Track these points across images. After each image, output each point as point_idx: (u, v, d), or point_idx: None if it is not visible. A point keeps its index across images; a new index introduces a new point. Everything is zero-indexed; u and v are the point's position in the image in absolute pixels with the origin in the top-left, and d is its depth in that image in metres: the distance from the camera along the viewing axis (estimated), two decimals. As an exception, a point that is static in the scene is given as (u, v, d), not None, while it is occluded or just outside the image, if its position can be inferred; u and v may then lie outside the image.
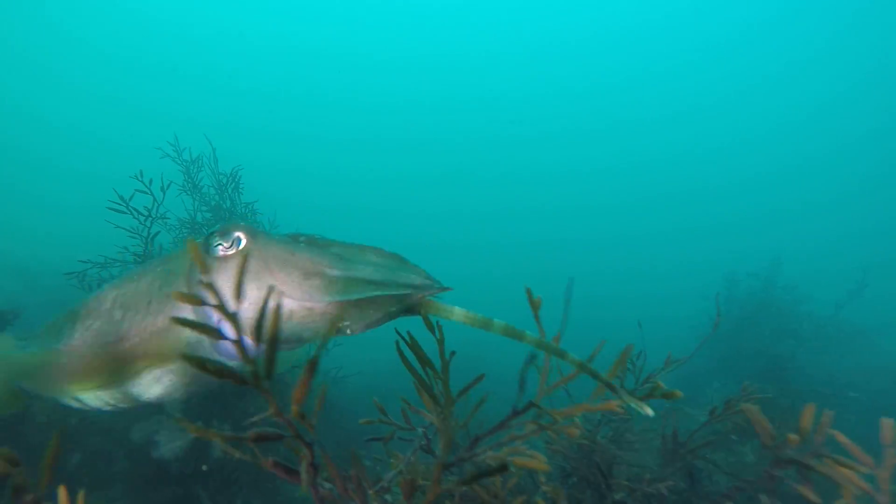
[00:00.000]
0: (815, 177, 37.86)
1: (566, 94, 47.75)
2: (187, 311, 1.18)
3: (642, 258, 35.42)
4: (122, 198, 3.26)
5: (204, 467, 2.87)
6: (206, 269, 0.82)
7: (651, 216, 40.11)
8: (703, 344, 2.21)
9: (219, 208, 4.79)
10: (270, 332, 0.75)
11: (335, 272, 1.10)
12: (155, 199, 3.40)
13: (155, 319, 1.19)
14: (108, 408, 1.32)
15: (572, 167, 45.18)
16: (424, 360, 1.18)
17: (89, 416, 2.98)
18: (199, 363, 0.72)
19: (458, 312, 1.08)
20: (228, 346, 0.95)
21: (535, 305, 1.22)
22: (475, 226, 39.76)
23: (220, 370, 0.75)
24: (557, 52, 47.77)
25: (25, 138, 36.05)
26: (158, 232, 3.40)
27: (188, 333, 1.18)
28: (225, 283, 1.13)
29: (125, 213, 3.35)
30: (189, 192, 4.71)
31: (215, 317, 1.09)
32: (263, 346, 0.77)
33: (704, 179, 40.71)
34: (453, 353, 1.19)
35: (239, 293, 0.81)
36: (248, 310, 1.10)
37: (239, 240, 1.17)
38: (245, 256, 0.84)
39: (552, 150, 45.89)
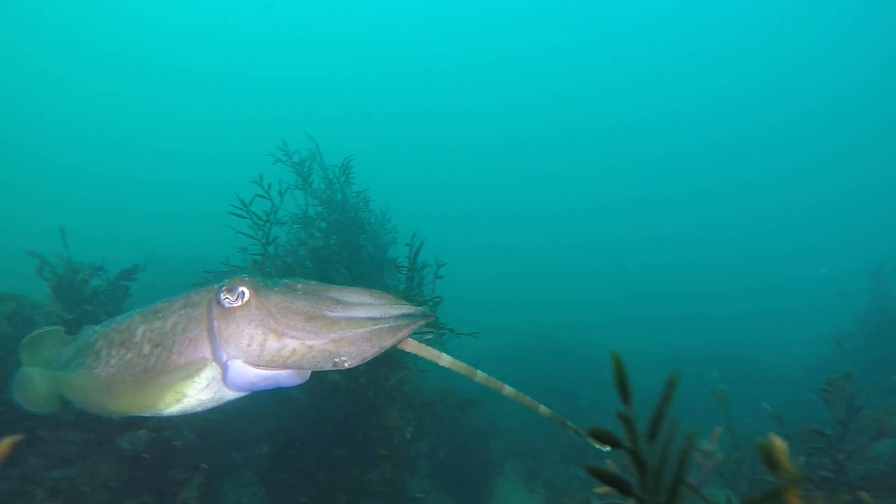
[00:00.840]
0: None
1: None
2: (206, 351, 1.38)
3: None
4: (242, 202, 3.48)
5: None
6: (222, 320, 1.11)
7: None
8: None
9: (330, 201, 5.03)
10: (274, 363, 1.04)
11: (334, 314, 1.29)
12: (273, 204, 3.59)
13: (178, 358, 1.38)
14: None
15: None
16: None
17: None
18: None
19: (446, 359, 1.28)
20: (234, 380, 1.35)
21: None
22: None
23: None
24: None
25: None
26: (276, 238, 3.64)
27: (206, 371, 1.38)
28: (234, 329, 1.32)
29: (245, 216, 3.56)
30: (301, 188, 4.94)
31: (225, 356, 1.34)
32: (268, 373, 1.22)
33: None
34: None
35: (244, 338, 1.15)
36: (254, 349, 1.31)
37: (243, 293, 1.34)
38: (249, 307, 1.07)
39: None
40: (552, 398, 10.97)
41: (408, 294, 3.37)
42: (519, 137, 49.25)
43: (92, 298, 4.12)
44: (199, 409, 1.45)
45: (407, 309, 1.32)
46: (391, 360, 3.73)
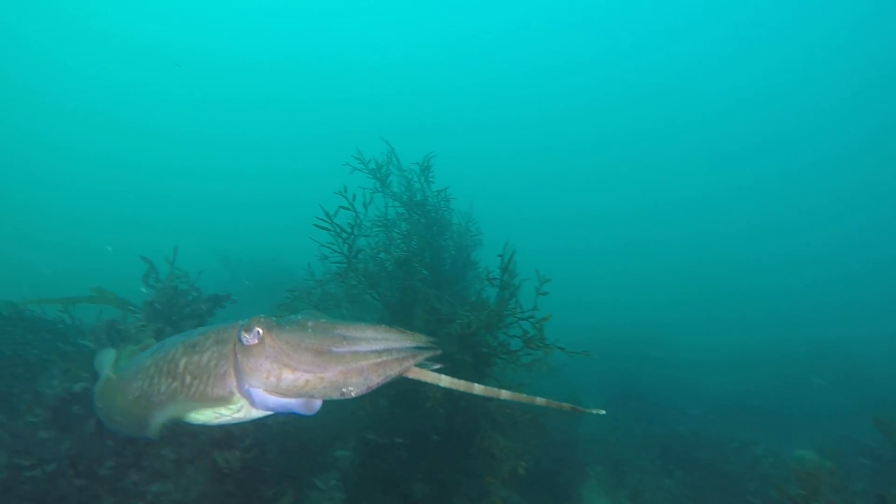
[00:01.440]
0: None
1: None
2: (233, 385, 1.59)
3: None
4: (327, 214, 3.37)
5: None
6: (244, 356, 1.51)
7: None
8: None
9: (410, 202, 4.93)
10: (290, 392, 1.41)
11: (340, 349, 1.44)
12: (357, 215, 3.46)
13: (213, 391, 1.61)
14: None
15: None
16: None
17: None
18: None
19: (445, 379, 1.39)
20: (258, 404, 1.57)
21: None
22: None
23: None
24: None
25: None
26: (360, 250, 3.51)
27: (235, 400, 1.60)
28: (253, 364, 1.51)
29: (329, 229, 3.45)
30: (380, 191, 4.85)
31: (247, 385, 1.55)
32: (284, 400, 1.48)
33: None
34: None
35: (262, 371, 1.46)
36: (271, 381, 1.49)
37: (258, 333, 1.52)
38: (264, 345, 1.45)
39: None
40: (630, 402, 10.47)
41: (499, 310, 3.13)
42: (581, 139, 48.99)
43: (183, 309, 4.17)
44: (234, 423, 1.70)
45: (412, 341, 1.46)
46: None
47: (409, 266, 4.04)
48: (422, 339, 1.45)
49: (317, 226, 3.42)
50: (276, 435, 4.01)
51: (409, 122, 45.88)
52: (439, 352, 1.44)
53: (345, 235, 3.47)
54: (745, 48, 44.95)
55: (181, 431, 3.61)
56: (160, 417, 1.70)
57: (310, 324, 1.54)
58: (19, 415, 3.42)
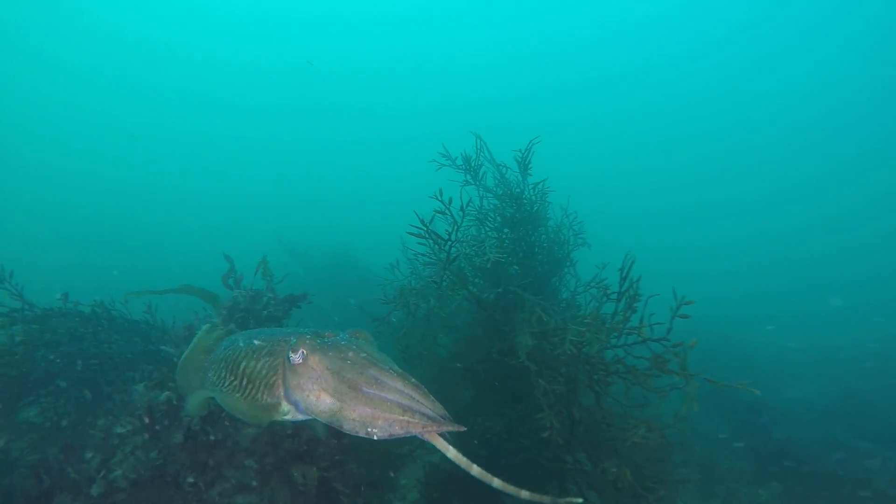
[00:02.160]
0: None
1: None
2: (280, 394, 1.73)
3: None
4: (423, 222, 3.10)
5: None
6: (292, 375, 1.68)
7: None
8: None
9: (506, 195, 4.67)
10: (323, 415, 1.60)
11: (370, 391, 1.54)
12: (455, 221, 3.15)
13: (263, 397, 1.76)
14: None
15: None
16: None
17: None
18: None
19: (452, 451, 1.45)
20: (303, 411, 1.69)
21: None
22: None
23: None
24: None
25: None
26: (457, 256, 3.23)
27: (283, 406, 1.74)
28: (296, 382, 1.64)
29: (422, 237, 3.21)
30: (473, 184, 4.65)
31: (293, 398, 1.67)
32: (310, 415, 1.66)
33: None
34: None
35: (304, 389, 1.63)
36: (311, 400, 1.61)
37: (303, 354, 1.64)
38: (308, 365, 1.62)
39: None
40: (713, 404, 9.74)
41: (618, 327, 2.76)
42: (667, 136, 47.85)
43: (261, 312, 4.08)
44: (292, 421, 1.80)
45: (433, 409, 1.51)
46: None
47: (499, 265, 3.76)
48: (441, 410, 1.51)
49: (410, 233, 3.17)
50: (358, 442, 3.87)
51: (495, 119, 45.62)
52: (463, 429, 1.46)
53: (441, 242, 3.19)
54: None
55: (263, 440, 3.53)
56: (227, 407, 1.85)
57: (350, 354, 1.65)
58: (111, 421, 3.43)
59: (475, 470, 1.40)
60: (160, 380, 3.27)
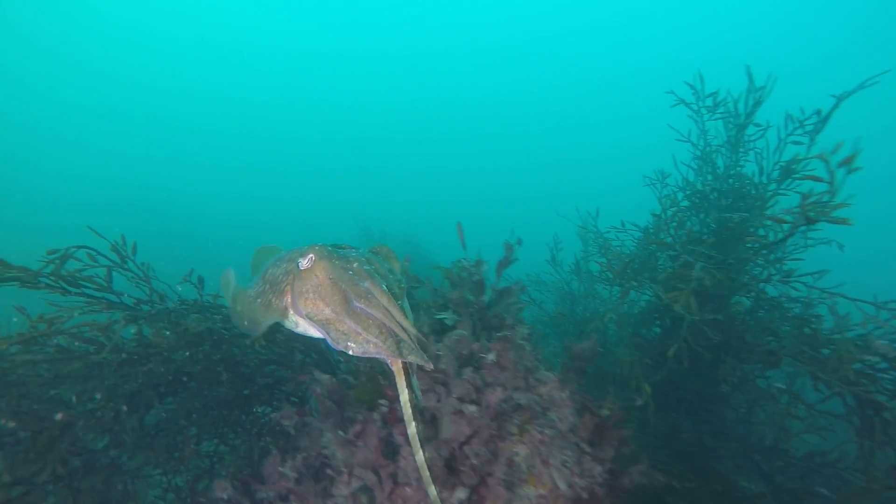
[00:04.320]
0: None
1: None
2: (288, 300, 1.64)
3: None
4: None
5: None
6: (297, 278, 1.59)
7: None
8: None
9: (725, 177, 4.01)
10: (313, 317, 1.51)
11: (359, 305, 1.51)
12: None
13: (277, 301, 1.69)
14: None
15: None
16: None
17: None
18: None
19: (405, 395, 1.42)
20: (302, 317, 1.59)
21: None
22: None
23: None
24: None
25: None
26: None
27: (291, 314, 1.64)
28: (300, 287, 1.59)
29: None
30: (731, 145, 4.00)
31: (298, 303, 1.58)
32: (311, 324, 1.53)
33: None
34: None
35: (306, 296, 1.54)
36: (309, 306, 1.55)
37: (312, 259, 1.60)
38: (313, 271, 1.54)
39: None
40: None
41: None
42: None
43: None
44: (306, 333, 1.64)
45: (412, 342, 1.46)
46: None
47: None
48: (415, 346, 1.46)
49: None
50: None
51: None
52: (430, 367, 1.41)
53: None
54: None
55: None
56: (260, 318, 1.77)
57: (354, 265, 1.59)
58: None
59: (411, 429, 1.38)
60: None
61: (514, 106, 53.15)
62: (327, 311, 1.50)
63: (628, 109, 48.38)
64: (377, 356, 1.42)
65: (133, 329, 2.45)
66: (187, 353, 2.67)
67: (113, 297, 2.33)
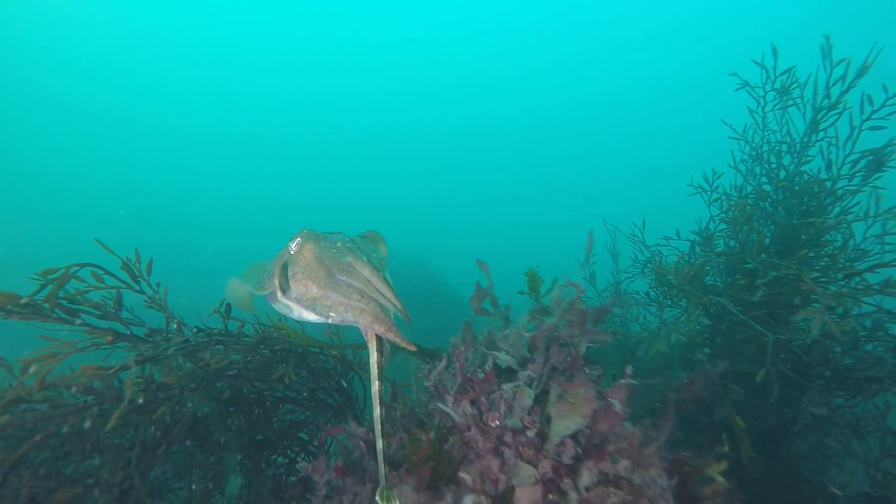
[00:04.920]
0: None
1: None
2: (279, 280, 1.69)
3: None
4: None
5: None
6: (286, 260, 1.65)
7: None
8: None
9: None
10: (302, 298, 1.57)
11: (341, 278, 1.55)
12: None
13: (270, 283, 1.73)
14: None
15: None
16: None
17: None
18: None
19: (375, 358, 1.50)
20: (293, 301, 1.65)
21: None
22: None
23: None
24: None
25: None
26: None
27: (282, 297, 1.70)
28: (293, 269, 1.63)
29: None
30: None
31: (290, 286, 1.64)
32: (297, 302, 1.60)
33: None
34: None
35: (296, 276, 1.59)
36: (300, 288, 1.61)
37: (299, 242, 1.66)
38: (301, 253, 1.60)
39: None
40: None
41: None
42: None
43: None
44: (301, 318, 1.70)
45: (393, 306, 1.50)
46: None
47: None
48: (389, 317, 1.48)
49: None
50: None
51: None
52: (412, 348, 1.45)
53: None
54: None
55: None
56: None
57: (339, 244, 1.63)
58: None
59: (375, 387, 1.46)
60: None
61: (531, 127, 53.24)
62: (314, 289, 1.55)
63: (656, 123, 48.36)
64: (355, 324, 1.48)
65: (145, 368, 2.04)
66: (200, 395, 2.24)
67: (121, 328, 1.93)
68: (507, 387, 2.07)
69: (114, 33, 48.05)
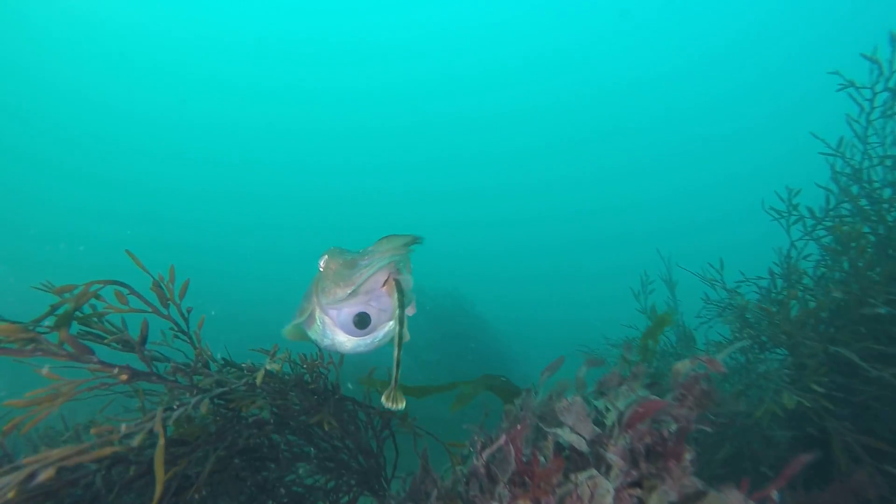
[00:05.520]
0: None
1: None
2: (314, 301, 1.75)
3: None
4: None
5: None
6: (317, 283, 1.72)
7: None
8: None
9: None
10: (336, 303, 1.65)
11: (362, 262, 1.59)
12: None
13: (306, 304, 1.81)
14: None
15: None
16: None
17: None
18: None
19: (399, 311, 1.58)
20: (333, 315, 1.72)
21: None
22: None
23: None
24: None
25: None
26: None
27: (318, 315, 1.77)
28: (323, 283, 1.70)
29: None
30: None
31: (322, 300, 1.71)
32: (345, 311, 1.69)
33: None
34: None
35: (325, 288, 1.67)
36: (329, 295, 1.67)
37: (325, 258, 1.72)
38: (327, 269, 1.67)
39: None
40: None
41: None
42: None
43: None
44: (337, 347, 1.78)
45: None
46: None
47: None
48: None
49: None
50: None
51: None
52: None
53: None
54: None
55: None
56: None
57: (359, 251, 1.68)
58: None
59: (398, 334, 1.56)
60: None
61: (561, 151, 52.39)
62: (339, 290, 1.62)
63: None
64: (378, 296, 1.60)
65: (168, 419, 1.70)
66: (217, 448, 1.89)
67: (142, 366, 1.60)
68: (580, 477, 1.64)
69: (146, 32, 47.54)
